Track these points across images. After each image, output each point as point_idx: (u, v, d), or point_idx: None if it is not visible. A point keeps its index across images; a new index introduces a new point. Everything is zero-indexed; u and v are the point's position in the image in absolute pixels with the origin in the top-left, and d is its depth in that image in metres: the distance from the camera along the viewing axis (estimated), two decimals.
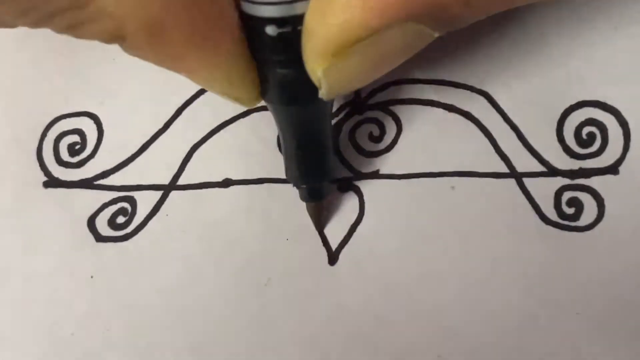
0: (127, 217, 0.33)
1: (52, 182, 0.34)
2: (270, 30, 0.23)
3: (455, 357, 0.30)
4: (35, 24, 0.22)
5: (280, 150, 0.31)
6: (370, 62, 0.22)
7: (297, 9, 0.22)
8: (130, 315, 0.32)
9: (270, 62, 0.24)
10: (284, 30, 0.22)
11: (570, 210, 0.30)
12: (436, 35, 0.22)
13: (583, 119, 0.31)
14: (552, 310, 0.30)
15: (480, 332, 0.30)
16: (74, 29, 0.22)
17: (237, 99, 0.26)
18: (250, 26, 0.23)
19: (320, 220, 0.31)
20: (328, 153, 0.29)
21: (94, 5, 0.20)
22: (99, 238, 0.33)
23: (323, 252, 0.31)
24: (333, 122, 0.32)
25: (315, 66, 0.22)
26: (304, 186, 0.30)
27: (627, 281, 0.30)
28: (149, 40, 0.22)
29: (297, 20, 0.22)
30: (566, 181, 0.30)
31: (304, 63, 0.22)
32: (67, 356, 0.32)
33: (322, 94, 0.23)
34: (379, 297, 0.31)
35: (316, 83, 0.23)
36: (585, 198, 0.30)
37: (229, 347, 0.31)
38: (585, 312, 0.29)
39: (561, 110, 0.31)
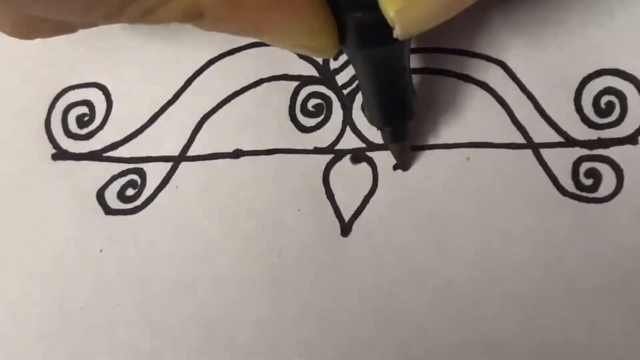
0: (136, 190, 0.32)
1: (60, 155, 0.33)
2: None
3: (469, 329, 0.29)
4: (107, 18, 0.22)
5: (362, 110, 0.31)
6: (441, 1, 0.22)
7: None
8: (140, 288, 0.31)
9: (346, 6, 0.24)
10: None
11: (588, 181, 0.30)
12: None
13: (601, 87, 0.30)
14: (569, 284, 0.29)
15: (495, 305, 0.29)
16: (148, 15, 0.21)
17: (318, 51, 0.26)
18: None
19: (407, 160, 0.31)
20: (409, 92, 0.29)
21: None
22: (108, 211, 0.32)
23: (336, 223, 0.31)
24: (346, 91, 0.32)
25: (388, 7, 0.22)
26: (389, 128, 0.30)
27: None
28: (228, 10, 0.22)
29: None
30: (584, 151, 0.30)
31: (378, 5, 0.23)
32: (77, 330, 0.32)
33: (397, 33, 0.23)
34: (392, 270, 0.30)
35: (390, 23, 0.23)
36: (604, 169, 0.30)
37: (240, 320, 0.31)
38: (603, 285, 0.29)
39: (579, 79, 0.30)
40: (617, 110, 0.30)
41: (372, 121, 0.30)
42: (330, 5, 0.24)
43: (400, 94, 0.28)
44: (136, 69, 0.33)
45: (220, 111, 0.33)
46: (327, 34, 0.25)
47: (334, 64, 0.32)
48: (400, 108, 0.29)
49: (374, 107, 0.29)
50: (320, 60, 0.32)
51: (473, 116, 0.31)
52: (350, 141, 0.32)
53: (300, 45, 0.25)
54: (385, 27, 0.23)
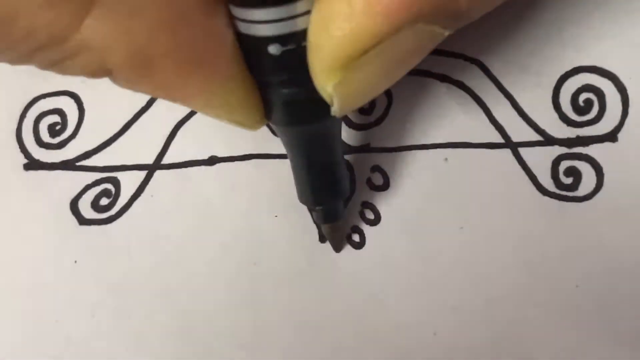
0: (110, 199, 0.32)
1: (32, 165, 0.33)
2: (274, 49, 0.21)
3: (452, 333, 0.29)
4: (16, 62, 0.21)
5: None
6: (383, 70, 0.21)
7: (299, 24, 0.20)
8: (116, 299, 0.31)
9: (275, 82, 0.23)
10: (288, 48, 0.21)
11: (568, 180, 0.29)
12: (447, 33, 0.20)
13: (579, 85, 0.30)
14: (550, 283, 0.29)
15: (477, 307, 0.29)
16: (57, 65, 0.20)
17: (239, 124, 0.24)
18: (250, 47, 0.22)
19: (339, 241, 0.30)
20: (342, 170, 0.28)
21: (74, 39, 0.19)
22: (82, 221, 0.32)
23: (313, 228, 0.31)
24: None
25: (325, 82, 0.20)
26: (320, 207, 0.28)
27: (627, 251, 0.29)
28: (137, 72, 0.20)
29: (300, 36, 0.20)
30: (563, 150, 0.30)
31: (310, 80, 0.21)
32: (52, 344, 0.31)
33: (335, 111, 0.22)
34: (371, 273, 0.30)
35: (327, 100, 0.21)
36: (584, 167, 0.29)
37: (218, 329, 0.30)
38: (585, 284, 0.29)
39: (557, 76, 0.30)
40: (595, 108, 0.30)
41: (301, 199, 0.28)
42: (255, 78, 0.23)
43: (332, 172, 0.27)
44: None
45: (194, 118, 0.32)
46: (249, 109, 0.23)
47: None
48: (332, 187, 0.28)
49: (304, 186, 0.27)
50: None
51: (451, 116, 0.31)
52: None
53: (217, 118, 0.24)
54: (316, 104, 0.22)
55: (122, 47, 0.20)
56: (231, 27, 0.21)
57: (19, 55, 0.20)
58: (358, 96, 0.22)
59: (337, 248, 0.30)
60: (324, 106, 0.22)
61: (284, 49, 0.21)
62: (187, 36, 0.20)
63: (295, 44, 0.21)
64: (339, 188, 0.28)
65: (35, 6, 0.18)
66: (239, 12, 0.21)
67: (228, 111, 0.23)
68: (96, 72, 0.20)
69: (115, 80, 0.21)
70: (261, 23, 0.20)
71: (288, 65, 0.21)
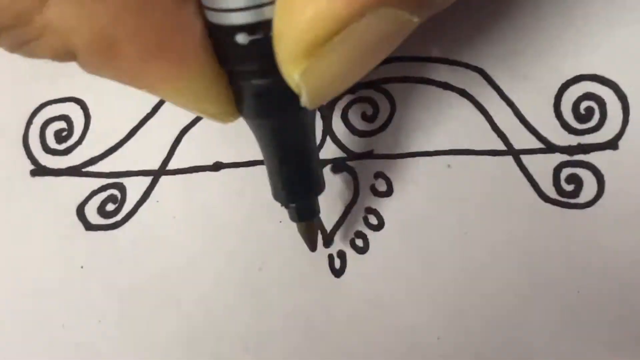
0: (116, 205, 0.32)
1: (39, 171, 0.33)
2: (241, 38, 0.21)
3: (455, 338, 0.29)
4: None
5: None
6: (350, 58, 0.20)
7: (267, 13, 0.20)
8: (123, 304, 0.31)
9: (244, 73, 0.22)
10: (256, 37, 0.21)
11: (569, 187, 0.30)
12: (416, 20, 0.20)
13: (581, 93, 0.30)
14: (552, 289, 0.29)
15: (480, 312, 0.29)
16: (22, 46, 0.21)
17: (210, 115, 0.24)
18: (218, 36, 0.21)
19: (313, 240, 0.30)
20: (315, 166, 0.27)
21: (38, 21, 0.19)
22: (89, 227, 0.32)
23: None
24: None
25: (291, 70, 0.20)
26: (293, 205, 0.28)
27: (628, 258, 0.29)
28: (99, 55, 0.20)
29: (267, 25, 0.20)
30: (565, 157, 0.30)
31: (279, 71, 0.20)
32: (59, 348, 0.31)
33: (304, 101, 0.21)
34: (376, 278, 0.30)
35: (295, 90, 0.21)
36: (585, 174, 0.30)
37: (224, 334, 0.30)
38: (586, 290, 0.29)
39: (558, 84, 0.30)
40: (596, 116, 0.30)
41: (275, 197, 0.27)
42: (224, 69, 0.22)
43: (305, 168, 0.27)
44: (114, 83, 0.33)
45: (199, 124, 0.32)
46: (219, 100, 0.23)
47: None
48: (306, 183, 0.27)
49: (277, 182, 0.27)
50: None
51: (453, 123, 0.31)
52: (330, 151, 0.31)
53: (189, 107, 0.24)
54: (286, 95, 0.21)
55: (85, 30, 0.20)
56: (200, 15, 0.21)
57: None
58: (327, 86, 0.21)
59: (313, 247, 0.30)
60: (294, 98, 0.21)
61: (252, 38, 0.21)
62: (153, 21, 0.20)
63: (263, 33, 0.20)
64: (313, 184, 0.27)
65: None
66: (207, 0, 0.21)
67: (196, 101, 0.23)
68: (62, 54, 0.21)
69: (80, 64, 0.21)
70: (229, 11, 0.20)
71: (256, 55, 0.21)
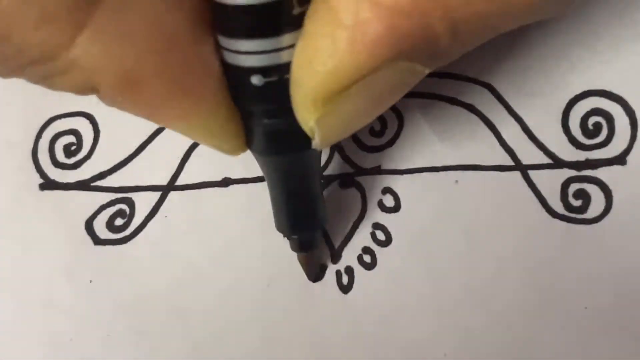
0: (125, 219, 0.32)
1: (48, 185, 0.33)
2: (256, 80, 0.21)
3: (462, 355, 0.29)
4: (8, 74, 0.21)
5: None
6: (364, 105, 0.21)
7: (283, 57, 0.21)
8: (131, 319, 0.31)
9: (256, 112, 0.23)
10: (271, 79, 0.21)
11: (577, 203, 0.30)
12: (427, 71, 0.21)
13: (589, 108, 0.30)
14: (559, 305, 0.29)
15: (487, 328, 0.29)
16: (46, 80, 0.21)
17: (220, 149, 0.25)
18: (234, 76, 0.22)
19: (313, 270, 0.31)
20: (319, 201, 0.28)
21: (65, 58, 0.20)
22: (97, 241, 0.32)
23: (325, 249, 0.31)
24: None
25: (307, 116, 0.21)
26: (295, 237, 0.29)
27: (636, 273, 0.29)
28: (123, 93, 0.21)
29: (283, 69, 0.21)
30: (572, 173, 0.30)
31: (292, 112, 0.21)
32: None
33: (316, 144, 0.22)
34: (383, 294, 0.30)
35: (309, 133, 0.22)
36: (593, 189, 0.30)
37: (231, 350, 0.31)
38: (594, 306, 0.29)
39: (566, 100, 0.30)
40: (604, 131, 0.30)
41: (279, 228, 0.29)
42: (238, 107, 0.23)
43: (309, 203, 0.28)
44: None
45: None
46: (231, 136, 0.24)
47: None
48: (309, 217, 0.28)
49: (281, 214, 0.28)
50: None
51: (461, 139, 0.31)
52: (338, 166, 0.32)
53: (201, 141, 0.25)
54: (297, 135, 0.22)
55: (110, 69, 0.20)
56: (217, 55, 0.22)
57: (9, 70, 0.21)
58: (339, 130, 0.22)
59: (311, 277, 0.31)
60: (304, 138, 0.22)
61: (267, 80, 0.21)
62: (175, 61, 0.21)
63: (278, 76, 0.21)
64: (315, 219, 0.28)
65: (29, 26, 0.19)
66: (225, 41, 0.21)
67: (209, 136, 0.24)
68: (84, 89, 0.21)
69: (101, 98, 0.22)
70: (246, 54, 0.21)
71: (270, 96, 0.22)
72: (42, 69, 0.20)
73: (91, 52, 0.20)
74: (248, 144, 0.25)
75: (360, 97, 0.20)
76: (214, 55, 0.22)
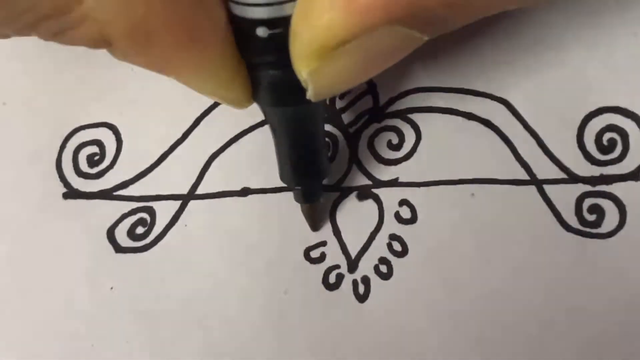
0: (146, 228, 0.33)
1: (71, 194, 0.34)
2: (261, 31, 0.22)
3: None
4: (20, 31, 0.22)
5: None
6: (358, 64, 0.22)
7: (287, 9, 0.22)
8: (151, 326, 0.32)
9: (261, 63, 0.24)
10: (275, 31, 0.22)
11: (591, 217, 0.30)
12: (425, 38, 0.21)
13: (603, 125, 0.31)
14: (573, 319, 0.29)
15: (500, 340, 0.30)
16: (59, 35, 0.22)
17: (228, 101, 0.26)
18: (240, 28, 0.23)
19: (316, 221, 0.31)
20: (322, 153, 0.29)
21: (77, 11, 0.20)
22: (119, 249, 0.33)
23: (342, 260, 0.31)
24: (352, 129, 0.32)
25: (301, 68, 0.22)
26: (299, 188, 0.30)
27: None
28: (134, 44, 0.21)
29: (288, 22, 0.22)
30: (587, 188, 0.30)
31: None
32: None
33: (310, 95, 0.23)
34: (398, 304, 0.31)
35: (303, 84, 0.23)
36: (607, 205, 0.30)
37: (248, 357, 0.31)
38: (608, 320, 0.29)
39: (581, 116, 0.31)
40: (619, 147, 0.30)
41: (283, 179, 0.29)
42: (245, 60, 0.24)
43: (312, 154, 0.28)
44: (145, 108, 0.34)
45: (228, 150, 0.33)
46: (238, 87, 0.25)
47: (339, 103, 0.32)
48: (312, 168, 0.29)
49: (285, 165, 0.29)
50: (327, 100, 0.32)
51: (477, 153, 0.31)
52: (356, 178, 0.32)
53: (209, 93, 0.25)
54: (299, 87, 0.23)
55: (122, 19, 0.21)
56: (224, 7, 0.23)
57: (22, 26, 0.21)
58: (332, 85, 0.23)
59: (314, 227, 0.31)
60: (305, 91, 0.23)
61: (271, 32, 0.22)
62: (184, 12, 0.21)
63: (282, 28, 0.22)
64: (318, 170, 0.29)
65: None
66: None
67: (217, 87, 0.25)
68: (97, 42, 0.22)
69: (113, 52, 0.22)
70: (251, 6, 0.22)
71: (274, 48, 0.23)
72: (55, 23, 0.21)
73: (103, 4, 0.20)
74: (254, 96, 0.25)
75: (354, 56, 0.21)
76: (220, 7, 0.23)
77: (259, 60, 0.24)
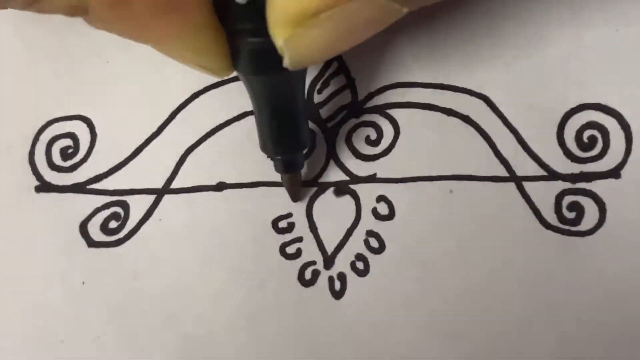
0: (119, 222, 0.32)
1: (44, 187, 0.33)
2: None
3: None
4: None
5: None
6: (334, 34, 0.22)
7: None
8: (122, 321, 0.31)
9: (240, 31, 0.24)
10: None
11: (571, 215, 0.30)
12: (405, 10, 0.21)
13: (584, 122, 0.30)
14: (553, 316, 0.29)
15: (479, 337, 0.29)
16: (35, 3, 0.21)
17: (207, 69, 0.25)
18: None
19: (296, 192, 0.31)
20: (302, 123, 0.29)
21: None
22: (91, 243, 0.32)
23: (319, 256, 0.31)
24: (330, 124, 0.32)
25: (277, 35, 0.22)
26: (279, 158, 0.29)
27: (629, 286, 0.29)
28: (113, 11, 0.21)
29: None
30: (567, 185, 0.30)
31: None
32: None
33: (286, 63, 0.23)
34: (375, 301, 0.30)
35: (279, 52, 0.22)
36: (587, 202, 0.30)
37: (223, 353, 0.30)
38: (587, 317, 0.29)
39: (562, 113, 0.30)
40: (599, 145, 0.30)
41: (264, 149, 0.29)
42: (224, 27, 0.24)
43: (293, 124, 0.28)
44: (120, 101, 0.33)
45: (204, 144, 0.33)
46: (217, 54, 0.24)
47: (317, 98, 0.32)
48: (293, 138, 0.29)
49: (266, 135, 0.29)
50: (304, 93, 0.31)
51: (456, 149, 0.31)
52: (333, 174, 0.32)
53: (188, 61, 0.25)
54: (278, 55, 0.22)
55: None
56: None
57: None
58: (307, 54, 0.22)
59: (294, 197, 0.31)
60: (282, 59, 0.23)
61: None
62: None
63: None
64: (298, 140, 0.29)
65: None
66: None
67: (196, 55, 0.24)
68: (73, 10, 0.21)
69: (90, 19, 0.22)
70: None
71: (253, 15, 0.22)
72: None
73: None
74: (234, 64, 0.25)
75: (331, 25, 0.21)
76: None
77: (237, 28, 0.24)
